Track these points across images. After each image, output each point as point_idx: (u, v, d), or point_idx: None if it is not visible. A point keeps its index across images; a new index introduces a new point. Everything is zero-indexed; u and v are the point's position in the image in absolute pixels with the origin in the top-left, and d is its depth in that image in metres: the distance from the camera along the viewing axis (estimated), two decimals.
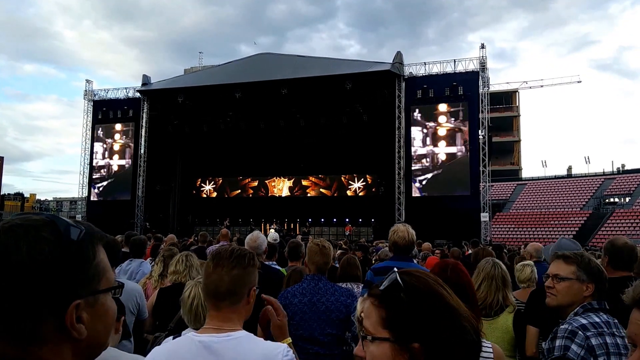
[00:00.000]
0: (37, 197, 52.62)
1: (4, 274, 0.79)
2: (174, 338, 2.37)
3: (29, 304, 0.79)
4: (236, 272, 1.84)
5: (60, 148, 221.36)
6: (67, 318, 0.83)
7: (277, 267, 5.26)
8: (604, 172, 43.05)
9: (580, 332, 2.23)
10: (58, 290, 0.82)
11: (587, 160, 45.27)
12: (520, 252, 11.24)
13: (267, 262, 5.00)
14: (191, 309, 2.63)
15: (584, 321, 2.29)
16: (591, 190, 39.90)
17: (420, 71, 26.29)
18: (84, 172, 31.71)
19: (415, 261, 5.20)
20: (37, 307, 0.80)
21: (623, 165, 44.03)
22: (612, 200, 38.75)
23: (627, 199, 37.33)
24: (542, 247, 6.47)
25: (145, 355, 1.84)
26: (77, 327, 0.84)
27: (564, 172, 47.35)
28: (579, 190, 40.45)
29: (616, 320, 2.30)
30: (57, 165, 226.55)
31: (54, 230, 0.85)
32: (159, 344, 2.74)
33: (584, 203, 38.51)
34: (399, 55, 26.14)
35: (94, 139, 31.40)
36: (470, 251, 10.25)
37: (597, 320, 2.29)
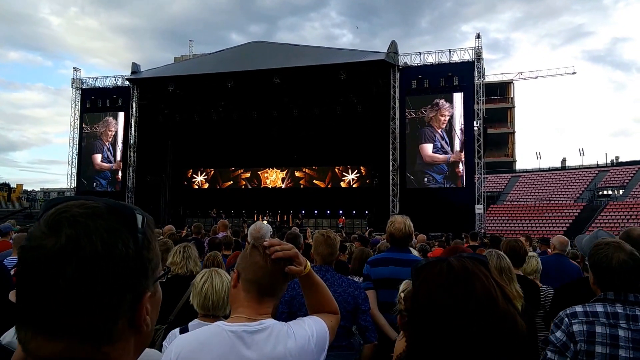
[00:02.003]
0: (24, 187, 52.06)
1: (80, 272, 0.72)
2: (180, 331, 2.44)
3: (108, 302, 0.74)
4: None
5: (47, 138, 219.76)
6: (141, 311, 0.79)
7: None
8: (597, 164, 43.08)
9: (566, 319, 2.27)
10: (134, 283, 0.78)
11: (581, 152, 45.29)
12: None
13: None
14: (200, 292, 2.74)
15: (579, 309, 2.29)
16: (585, 182, 39.90)
17: (415, 61, 26.04)
18: (72, 162, 31.23)
19: (415, 253, 5.02)
20: (116, 303, 0.75)
21: (617, 158, 44.11)
22: (605, 192, 38.73)
23: (621, 191, 37.39)
24: (568, 242, 6.57)
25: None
26: (147, 320, 0.81)
27: (558, 164, 47.34)
28: (573, 183, 40.45)
29: None
30: (44, 155, 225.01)
31: (121, 219, 0.79)
32: (159, 337, 2.88)
33: (577, 195, 38.49)
34: (393, 44, 25.79)
35: (83, 128, 30.87)
36: (469, 243, 10.09)
37: (600, 310, 2.24)
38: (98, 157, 30.78)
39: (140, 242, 0.79)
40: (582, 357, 2.17)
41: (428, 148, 25.19)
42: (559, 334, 2.25)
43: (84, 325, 0.73)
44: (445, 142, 24.89)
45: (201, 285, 2.76)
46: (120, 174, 30.13)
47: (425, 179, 25.10)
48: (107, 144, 30.56)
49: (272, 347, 1.67)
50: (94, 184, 30.56)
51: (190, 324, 2.59)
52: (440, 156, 24.95)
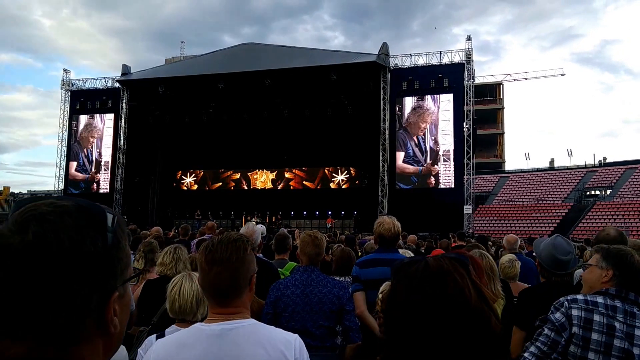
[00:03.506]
0: (11, 189, 51.58)
1: (47, 269, 0.71)
2: (157, 337, 2.33)
3: (75, 301, 0.73)
4: (235, 266, 1.73)
5: (35, 140, 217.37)
6: (108, 312, 0.78)
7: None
8: (585, 164, 43.37)
9: (566, 303, 2.32)
10: (102, 282, 0.77)
11: (569, 153, 45.75)
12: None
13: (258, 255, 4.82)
14: (170, 296, 2.72)
15: (579, 297, 2.35)
16: (573, 182, 40.18)
17: (406, 63, 26.14)
18: (60, 164, 31.01)
19: (409, 253, 5.06)
20: (83, 303, 0.74)
21: (605, 158, 44.44)
22: (593, 192, 39.05)
23: (608, 192, 37.67)
24: (518, 239, 6.68)
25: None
26: (114, 321, 0.80)
27: (547, 165, 47.68)
28: (561, 183, 40.72)
29: (639, 313, 2.27)
30: (32, 158, 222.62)
31: (89, 217, 0.78)
32: (143, 339, 2.78)
33: (565, 195, 38.76)
34: (384, 46, 25.89)
35: (72, 129, 30.69)
36: (456, 243, 10.14)
37: (600, 301, 2.31)
38: (73, 166, 30.60)
39: (109, 241, 0.78)
40: (578, 341, 2.23)
41: (399, 157, 25.30)
42: (558, 315, 2.31)
43: (48, 325, 0.72)
44: (421, 150, 24.96)
45: (171, 288, 2.73)
46: (96, 185, 29.95)
47: (395, 185, 25.38)
48: (85, 150, 30.37)
49: (255, 338, 1.68)
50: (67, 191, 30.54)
51: (167, 330, 2.57)
52: (411, 167, 25.08)
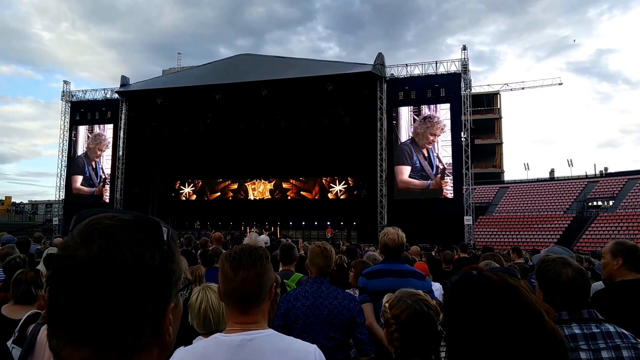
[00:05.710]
0: (13, 199, 51.68)
1: (110, 281, 0.75)
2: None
3: (135, 311, 0.76)
4: (259, 272, 1.80)
5: (36, 150, 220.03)
6: (164, 321, 0.81)
7: None
8: (586, 175, 42.97)
9: None
10: (159, 293, 0.80)
11: (569, 163, 45.43)
12: (511, 256, 10.91)
13: None
14: (199, 313, 2.69)
15: None
16: (574, 193, 39.83)
17: (402, 73, 26.19)
18: (61, 174, 31.17)
19: None
20: (141, 312, 0.77)
21: (606, 169, 44.07)
22: (595, 203, 38.67)
23: (611, 202, 37.28)
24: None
25: None
26: (169, 330, 0.83)
27: (547, 175, 47.29)
28: (562, 194, 40.36)
29: (598, 331, 2.06)
30: (33, 168, 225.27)
31: (148, 231, 0.82)
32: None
33: (567, 206, 38.42)
34: (380, 56, 25.95)
35: (72, 140, 30.86)
36: (460, 255, 10.03)
37: None
38: (78, 180, 30.59)
39: (165, 254, 0.82)
40: None
41: (404, 171, 24.98)
42: None
43: (111, 333, 0.74)
44: (430, 163, 24.64)
45: (198, 305, 2.72)
46: (105, 197, 29.99)
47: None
48: (93, 163, 30.45)
49: (274, 348, 1.69)
50: None
51: (194, 340, 2.46)
52: (417, 182, 24.75)
